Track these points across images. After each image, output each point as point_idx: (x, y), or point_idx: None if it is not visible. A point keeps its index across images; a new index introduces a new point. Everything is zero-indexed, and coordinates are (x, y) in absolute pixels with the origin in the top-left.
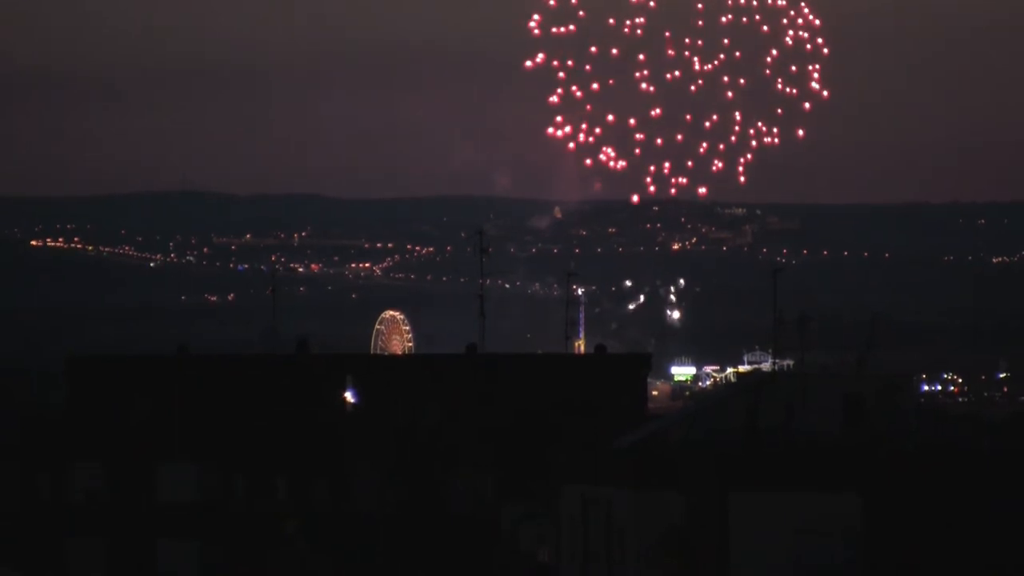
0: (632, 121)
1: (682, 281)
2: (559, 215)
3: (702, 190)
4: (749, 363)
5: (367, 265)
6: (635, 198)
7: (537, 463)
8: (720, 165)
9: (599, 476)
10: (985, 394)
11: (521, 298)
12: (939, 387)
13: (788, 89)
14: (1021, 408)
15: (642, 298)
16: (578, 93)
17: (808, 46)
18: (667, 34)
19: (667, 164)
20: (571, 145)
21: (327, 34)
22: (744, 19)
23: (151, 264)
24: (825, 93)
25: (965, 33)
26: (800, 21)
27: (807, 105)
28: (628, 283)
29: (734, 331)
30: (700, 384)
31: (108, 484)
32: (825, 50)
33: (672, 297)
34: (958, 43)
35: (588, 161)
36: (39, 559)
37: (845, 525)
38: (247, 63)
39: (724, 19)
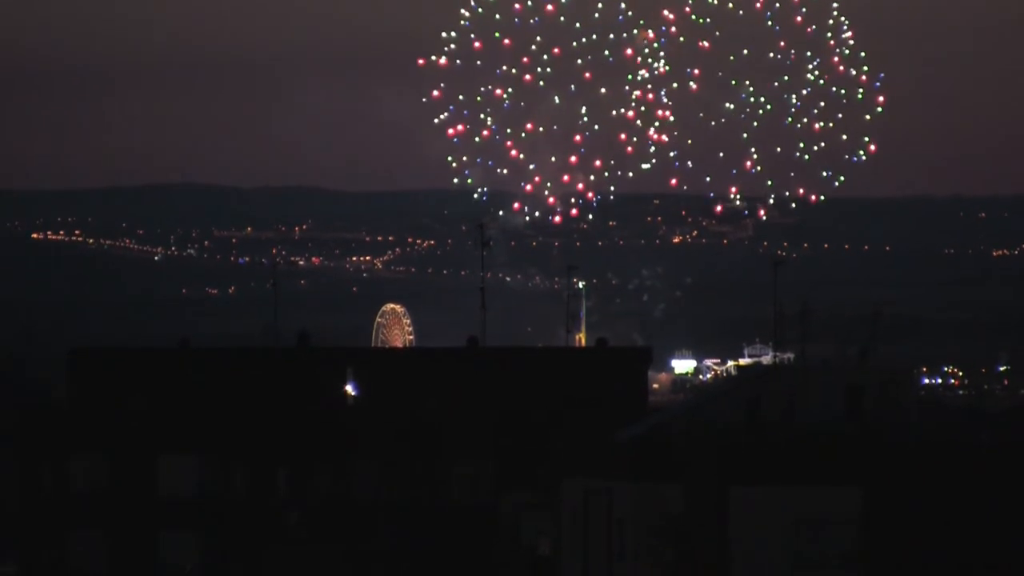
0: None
1: (659, 271)
2: (560, 212)
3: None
4: (750, 356)
5: (368, 258)
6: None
7: (538, 455)
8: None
9: (600, 468)
10: (985, 387)
11: (522, 291)
12: (939, 380)
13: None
14: (1021, 401)
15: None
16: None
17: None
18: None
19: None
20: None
21: (328, 29)
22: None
23: (155, 258)
24: (872, 147)
25: (967, 30)
26: (846, 70)
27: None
28: (617, 278)
29: (735, 324)
30: (701, 377)
31: (109, 476)
32: (879, 106)
33: (648, 286)
34: (959, 40)
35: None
36: (40, 550)
37: (845, 518)
38: (248, 57)
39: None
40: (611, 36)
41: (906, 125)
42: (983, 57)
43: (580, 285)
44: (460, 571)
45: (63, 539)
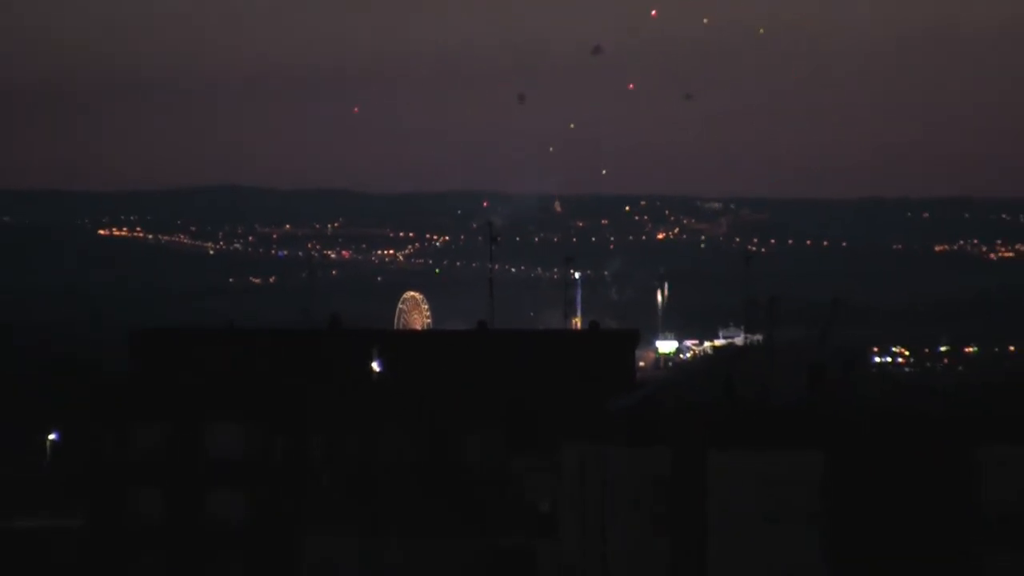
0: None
1: (618, 262)
2: (559, 208)
3: None
4: (724, 338)
5: (391, 252)
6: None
7: (541, 423)
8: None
9: (596, 435)
10: (928, 364)
11: (525, 280)
12: (888, 359)
13: None
14: (961, 378)
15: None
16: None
17: None
18: None
19: None
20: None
21: (355, 51)
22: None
23: (210, 252)
24: None
25: (912, 42)
26: None
27: None
28: (608, 269)
29: (712, 309)
30: (682, 356)
31: (165, 441)
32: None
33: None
34: (902, 54)
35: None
36: (105, 506)
37: (809, 479)
38: (285, 76)
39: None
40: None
41: (861, 136)
42: (922, 74)
43: (576, 275)
44: (472, 525)
45: (125, 496)
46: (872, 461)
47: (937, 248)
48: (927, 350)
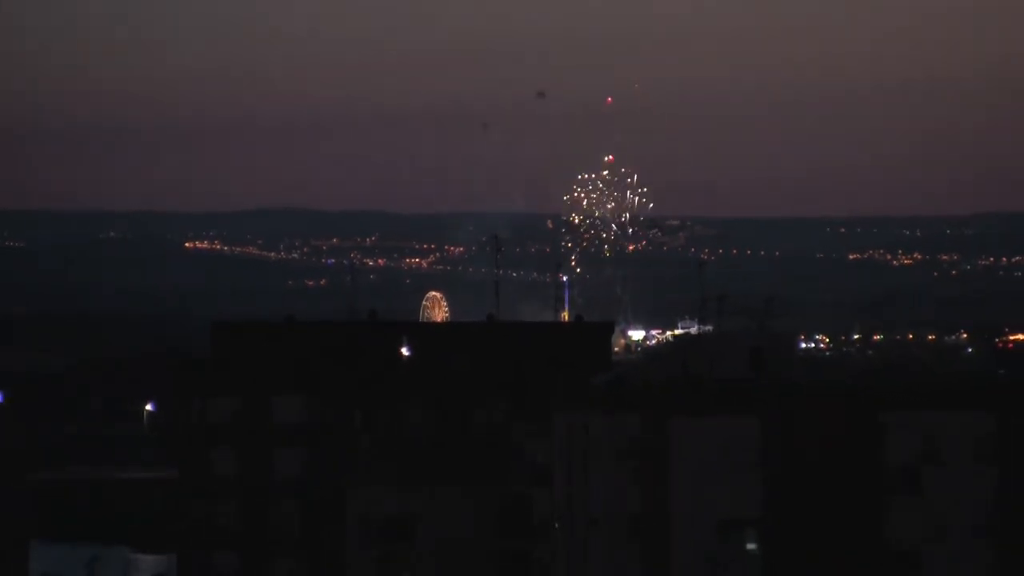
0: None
1: (597, 268)
2: (551, 226)
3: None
4: (682, 328)
5: (417, 260)
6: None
7: (537, 396)
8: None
9: (580, 405)
10: (844, 349)
11: (524, 282)
12: (812, 344)
13: None
14: (870, 359)
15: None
16: None
17: None
18: None
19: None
20: None
21: (391, 95)
22: None
23: (273, 260)
24: None
25: (835, 74)
26: None
27: None
28: (589, 273)
29: (672, 305)
30: (648, 342)
31: (239, 409)
32: None
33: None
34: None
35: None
36: (191, 462)
37: (749, 438)
38: (335, 116)
39: None
40: None
41: (791, 159)
42: (843, 120)
43: (564, 278)
44: (483, 476)
45: (207, 454)
46: (799, 425)
47: (851, 256)
48: (843, 337)
